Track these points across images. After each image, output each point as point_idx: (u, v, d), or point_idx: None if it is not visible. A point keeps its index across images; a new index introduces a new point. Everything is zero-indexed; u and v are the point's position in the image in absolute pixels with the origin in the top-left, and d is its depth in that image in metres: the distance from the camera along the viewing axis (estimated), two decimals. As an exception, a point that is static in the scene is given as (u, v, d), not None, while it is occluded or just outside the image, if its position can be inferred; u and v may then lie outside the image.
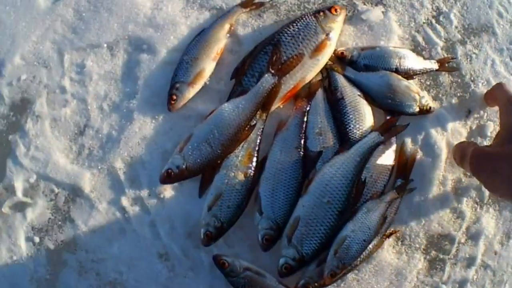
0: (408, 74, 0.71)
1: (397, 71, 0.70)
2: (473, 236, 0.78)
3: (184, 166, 0.63)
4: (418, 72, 0.72)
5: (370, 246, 0.68)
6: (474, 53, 0.80)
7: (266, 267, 0.68)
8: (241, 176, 0.64)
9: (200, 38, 0.67)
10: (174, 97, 0.64)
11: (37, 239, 0.72)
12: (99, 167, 0.69)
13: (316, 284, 0.66)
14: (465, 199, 0.78)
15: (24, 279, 0.73)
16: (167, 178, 0.64)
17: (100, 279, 0.70)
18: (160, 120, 0.68)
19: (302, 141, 0.65)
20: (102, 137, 0.69)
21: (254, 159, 0.65)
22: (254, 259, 0.68)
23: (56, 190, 0.71)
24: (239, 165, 0.64)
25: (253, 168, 0.65)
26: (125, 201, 0.68)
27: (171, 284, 0.69)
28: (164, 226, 0.68)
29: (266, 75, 0.62)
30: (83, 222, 0.70)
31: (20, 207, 0.72)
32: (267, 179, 0.65)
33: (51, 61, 0.71)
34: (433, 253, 0.77)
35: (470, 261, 0.78)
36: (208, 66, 0.66)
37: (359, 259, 0.67)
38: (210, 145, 0.63)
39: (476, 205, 0.79)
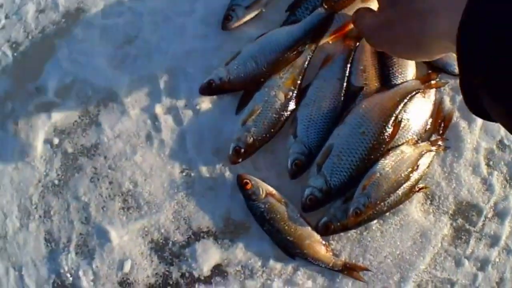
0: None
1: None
2: (500, 214, 0.76)
3: (226, 79, 0.64)
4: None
5: (399, 193, 0.67)
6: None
7: (289, 198, 0.66)
8: (281, 96, 0.65)
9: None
10: (230, 17, 0.68)
11: (56, 141, 0.71)
12: (140, 74, 0.70)
13: (339, 223, 0.65)
14: (495, 172, 0.78)
15: (31, 182, 0.71)
16: (207, 88, 0.65)
17: (112, 189, 0.68)
18: (211, 37, 0.71)
19: (346, 74, 0.67)
20: (150, 47, 0.71)
21: (298, 83, 0.67)
22: (279, 186, 0.66)
23: (90, 93, 0.71)
24: (282, 86, 0.66)
25: (295, 92, 0.66)
26: (159, 109, 0.69)
27: (186, 202, 0.67)
28: (193, 139, 0.68)
29: (319, 8, 0.66)
30: (110, 126, 0.69)
31: (48, 107, 0.72)
32: (307, 104, 0.66)
33: (114, -24, 0.77)
34: (460, 221, 0.75)
35: (494, 240, 0.76)
36: (265, -6, 0.72)
37: (386, 203, 0.66)
38: (256, 62, 0.65)
39: (505, 182, 0.79)
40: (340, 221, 0.65)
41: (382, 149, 0.65)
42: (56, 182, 0.71)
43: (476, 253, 0.76)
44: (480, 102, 0.32)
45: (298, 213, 0.65)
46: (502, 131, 0.81)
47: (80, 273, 0.69)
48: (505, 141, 0.81)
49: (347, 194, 0.65)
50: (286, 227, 0.64)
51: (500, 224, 0.78)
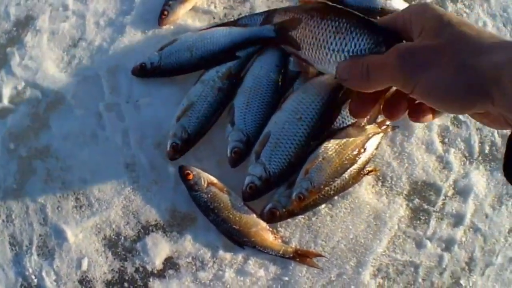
0: (392, 16, 0.76)
1: (383, 10, 0.75)
2: (462, 192, 0.75)
3: (158, 64, 0.67)
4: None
5: (346, 176, 0.67)
6: (465, 11, 0.85)
7: (233, 187, 0.68)
8: (215, 91, 0.66)
9: (195, -38, 0.76)
10: (166, 12, 0.71)
11: (12, 146, 0.75)
12: (84, 75, 0.74)
13: (284, 210, 0.65)
14: (452, 149, 0.77)
15: (-8, 188, 0.75)
16: (139, 70, 0.69)
17: (65, 188, 0.71)
18: (149, 34, 0.74)
19: (283, 60, 0.68)
20: (93, 48, 0.75)
21: (235, 75, 0.68)
22: (221, 176, 0.68)
23: (40, 97, 0.75)
24: (217, 80, 0.67)
25: (231, 85, 0.68)
26: (102, 107, 0.72)
27: (133, 196, 0.69)
28: (136, 134, 0.71)
29: (269, 25, 0.66)
30: (59, 128, 0.73)
31: (3, 113, 0.76)
32: (244, 91, 0.67)
33: (59, -18, 0.81)
34: (417, 201, 0.74)
35: (458, 219, 0.74)
36: (201, -13, 0.74)
37: (332, 187, 0.66)
38: (191, 53, 0.67)
39: (465, 159, 0.78)
40: (285, 207, 0.65)
41: (321, 134, 0.65)
42: (15, 186, 0.74)
43: (439, 234, 0.75)
44: None
45: (242, 201, 0.66)
46: None
47: (43, 274, 0.72)
48: (461, 117, 0.80)
49: (291, 180, 0.66)
50: (231, 216, 0.65)
51: (463, 203, 0.76)
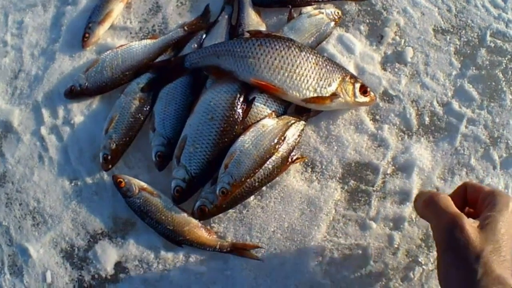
0: (304, 1, 0.82)
1: (292, -2, 0.83)
2: (403, 168, 0.81)
3: (85, 86, 0.81)
4: (317, -1, 0.84)
5: (270, 167, 0.75)
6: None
7: (164, 190, 0.78)
8: (136, 102, 0.78)
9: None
10: (87, 35, 0.84)
11: (-29, 176, 0.92)
12: (26, 103, 0.88)
13: (212, 205, 0.75)
14: (386, 126, 0.82)
15: (-42, 217, 0.91)
16: (69, 93, 0.82)
17: (22, 209, 0.85)
18: (76, 57, 0.88)
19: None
20: (31, 77, 0.90)
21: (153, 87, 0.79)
22: (152, 180, 0.79)
23: (-8, 129, 0.91)
24: (137, 91, 0.79)
25: (151, 94, 0.79)
26: (43, 131, 0.86)
27: (79, 209, 0.82)
28: (74, 151, 0.84)
29: (179, 29, 0.80)
30: (11, 154, 0.87)
31: (-41, 147, 0.93)
32: (161, 98, 0.78)
33: (-2, 22, 0.96)
34: (353, 183, 0.81)
35: (403, 196, 0.80)
36: (116, 7, 0.86)
37: (256, 179, 0.75)
38: (112, 70, 0.80)
39: (402, 134, 0.83)
40: (213, 203, 0.74)
41: (235, 129, 0.74)
42: None
43: (383, 213, 0.80)
44: None
45: (171, 202, 0.76)
46: (384, 81, 0.85)
47: None
48: (390, 91, 0.85)
49: (214, 176, 0.76)
50: (163, 217, 0.76)
51: (407, 178, 0.82)
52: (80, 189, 0.82)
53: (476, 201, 0.63)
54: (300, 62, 0.71)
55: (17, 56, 0.92)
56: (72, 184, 0.83)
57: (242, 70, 0.71)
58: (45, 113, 0.86)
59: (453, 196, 0.64)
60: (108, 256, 0.81)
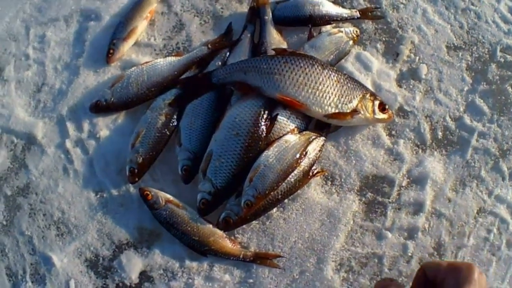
0: (324, 20, 0.87)
1: (311, 17, 0.87)
2: (417, 180, 0.86)
3: (111, 101, 0.85)
4: (335, 18, 0.88)
5: (292, 180, 0.80)
6: (401, 3, 0.95)
7: (189, 203, 0.82)
8: (163, 117, 0.82)
9: (135, 2, 0.92)
10: (112, 51, 0.87)
11: (-3, 187, 0.95)
12: (50, 116, 0.91)
13: (237, 217, 0.79)
14: (402, 140, 0.88)
15: (-16, 227, 0.94)
16: (95, 107, 0.86)
17: (46, 219, 0.89)
18: (100, 72, 0.91)
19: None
20: (54, 91, 0.93)
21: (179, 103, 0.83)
22: (177, 193, 0.83)
23: (16, 141, 0.93)
24: (163, 106, 0.83)
25: (176, 111, 0.83)
26: (68, 144, 0.89)
27: (104, 220, 0.86)
28: (99, 164, 0.87)
29: (203, 47, 0.85)
30: (35, 166, 0.90)
31: (-15, 159, 0.96)
32: (187, 114, 0.82)
33: (19, 35, 0.98)
34: (370, 195, 0.86)
35: (417, 207, 0.85)
36: (140, 24, 0.89)
37: (279, 192, 0.79)
38: (137, 86, 0.84)
39: (416, 148, 0.88)
40: (238, 215, 0.79)
41: (260, 145, 0.78)
42: (4, 223, 0.93)
43: (398, 223, 0.86)
44: None
45: (196, 214, 0.80)
46: (400, 98, 0.90)
47: None
48: (405, 107, 0.91)
49: (239, 189, 0.80)
50: (189, 228, 0.80)
51: (420, 190, 0.87)
52: (106, 200, 0.86)
53: (437, 280, 0.62)
54: (323, 80, 0.75)
55: (39, 69, 0.95)
56: (98, 196, 0.87)
57: (268, 86, 0.75)
58: (70, 126, 0.90)
59: (414, 282, 0.66)
60: (133, 265, 0.85)
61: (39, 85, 0.95)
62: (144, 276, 0.85)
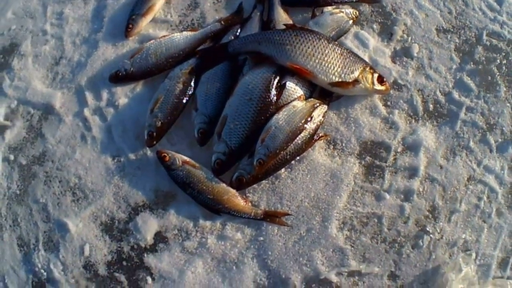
0: (326, 1, 1.01)
1: (313, -2, 1.01)
2: (411, 147, 0.99)
3: (130, 70, 0.94)
4: (336, 0, 1.02)
5: (299, 142, 0.91)
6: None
7: (204, 164, 0.92)
8: (180, 85, 0.92)
9: (153, -21, 1.03)
10: (131, 25, 0.98)
11: (12, 157, 1.01)
12: (69, 87, 1.00)
13: (249, 176, 0.89)
14: (396, 111, 1.01)
15: (-2, 196, 1.01)
16: (115, 77, 0.95)
17: (62, 186, 0.96)
18: (119, 45, 1.02)
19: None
20: (73, 63, 1.02)
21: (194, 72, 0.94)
22: (193, 155, 0.92)
23: (32, 111, 1.01)
24: (181, 75, 0.93)
25: (193, 79, 0.93)
26: (87, 112, 0.98)
27: (121, 183, 0.94)
28: (118, 130, 0.96)
29: (216, 23, 0.96)
30: (52, 135, 0.99)
31: (1, 130, 1.03)
32: (203, 82, 0.93)
33: (37, 13, 1.08)
34: (369, 159, 0.98)
35: (412, 172, 0.97)
36: (158, 2, 1.00)
37: (288, 152, 0.90)
38: (156, 57, 0.94)
39: (410, 118, 1.01)
40: (250, 174, 0.89)
41: (270, 109, 0.89)
42: (18, 192, 0.99)
43: (395, 186, 0.97)
44: None
45: (211, 174, 0.90)
46: (394, 72, 1.04)
47: (51, 266, 0.96)
48: (399, 81, 1.04)
49: (252, 150, 0.90)
50: (205, 187, 0.89)
51: (415, 156, 1.00)
52: (123, 165, 0.95)
53: None
54: (328, 52, 0.88)
55: (57, 44, 1.05)
56: (115, 160, 0.96)
57: (280, 55, 0.87)
58: (89, 96, 0.99)
59: None
60: (149, 226, 0.93)
61: (57, 58, 1.04)
62: (159, 237, 0.93)
